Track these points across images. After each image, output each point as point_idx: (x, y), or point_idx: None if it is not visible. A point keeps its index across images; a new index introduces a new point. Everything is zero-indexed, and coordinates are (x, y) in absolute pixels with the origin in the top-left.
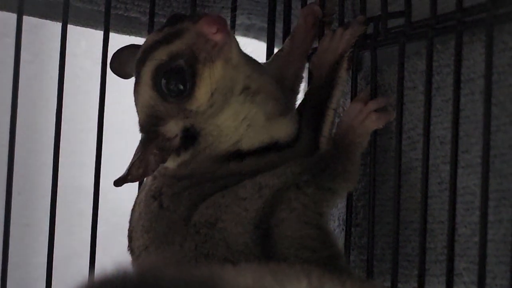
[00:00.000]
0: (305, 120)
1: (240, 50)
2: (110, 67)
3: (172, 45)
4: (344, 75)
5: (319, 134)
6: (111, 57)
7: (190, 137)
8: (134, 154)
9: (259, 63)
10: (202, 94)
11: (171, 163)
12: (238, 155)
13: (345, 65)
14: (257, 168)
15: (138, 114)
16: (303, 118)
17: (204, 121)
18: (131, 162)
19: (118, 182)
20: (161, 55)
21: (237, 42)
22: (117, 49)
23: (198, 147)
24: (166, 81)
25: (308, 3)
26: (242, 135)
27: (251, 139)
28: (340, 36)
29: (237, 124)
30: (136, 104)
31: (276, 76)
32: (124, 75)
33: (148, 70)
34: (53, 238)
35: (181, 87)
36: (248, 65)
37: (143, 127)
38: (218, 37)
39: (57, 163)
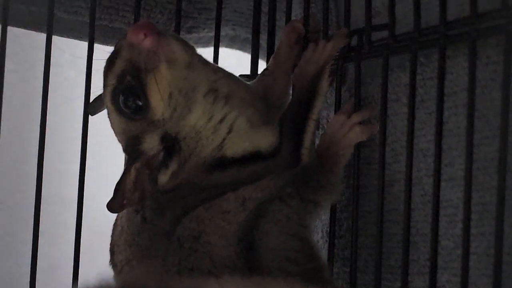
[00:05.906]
0: (286, 132)
1: (196, 53)
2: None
3: (115, 67)
4: (325, 87)
5: (300, 146)
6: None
7: (171, 146)
8: (121, 178)
9: (234, 75)
10: (158, 101)
11: (164, 178)
12: (222, 163)
13: (326, 76)
14: (239, 179)
15: (119, 142)
16: (284, 129)
17: (175, 125)
18: (121, 186)
19: (113, 208)
20: (110, 80)
21: (185, 43)
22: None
23: (182, 154)
24: (123, 102)
25: (292, 18)
26: (224, 139)
27: (235, 145)
28: (323, 48)
29: (215, 126)
30: (114, 134)
31: (262, 95)
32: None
33: (107, 98)
34: (37, 249)
35: (138, 102)
36: (211, 69)
37: (127, 152)
38: (147, 43)
39: (41, 173)
